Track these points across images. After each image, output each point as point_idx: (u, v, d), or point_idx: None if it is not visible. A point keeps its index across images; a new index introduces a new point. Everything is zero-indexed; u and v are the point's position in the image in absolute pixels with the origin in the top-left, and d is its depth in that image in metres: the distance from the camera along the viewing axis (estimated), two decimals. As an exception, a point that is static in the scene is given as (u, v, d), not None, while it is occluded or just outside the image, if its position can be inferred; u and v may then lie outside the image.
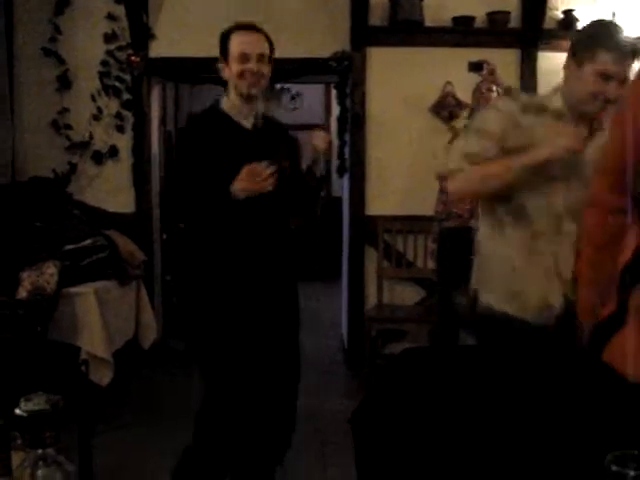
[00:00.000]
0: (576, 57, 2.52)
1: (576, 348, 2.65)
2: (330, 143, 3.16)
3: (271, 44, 3.08)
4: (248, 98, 3.02)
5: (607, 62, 2.44)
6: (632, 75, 2.42)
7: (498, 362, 2.81)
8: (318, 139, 3.10)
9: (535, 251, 2.68)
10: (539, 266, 2.68)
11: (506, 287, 2.77)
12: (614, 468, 0.97)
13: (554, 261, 2.65)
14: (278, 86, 9.04)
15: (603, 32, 2.48)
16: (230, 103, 3.05)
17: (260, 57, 2.99)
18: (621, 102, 2.44)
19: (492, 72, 4.48)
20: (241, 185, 2.84)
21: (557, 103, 2.61)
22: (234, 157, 2.92)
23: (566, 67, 2.58)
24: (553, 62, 4.94)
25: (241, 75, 2.98)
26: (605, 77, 2.46)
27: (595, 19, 2.63)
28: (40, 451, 1.06)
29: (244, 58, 2.97)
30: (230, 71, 3.02)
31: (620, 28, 2.49)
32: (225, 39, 3.04)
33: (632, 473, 0.96)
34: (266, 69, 3.03)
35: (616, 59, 2.44)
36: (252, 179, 2.84)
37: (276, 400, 3.11)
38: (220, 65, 3.06)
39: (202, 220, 3.01)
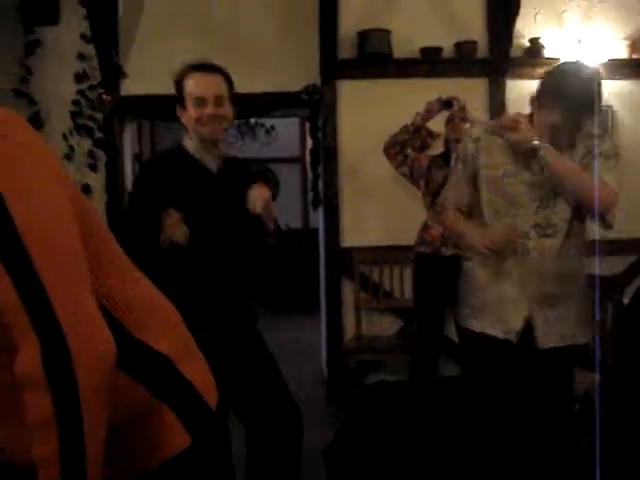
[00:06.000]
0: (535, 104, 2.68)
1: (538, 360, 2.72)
2: (267, 201, 2.87)
3: (230, 82, 2.92)
4: (211, 142, 2.88)
5: (553, 117, 2.58)
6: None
7: (472, 385, 2.83)
8: (254, 199, 2.86)
9: (502, 270, 2.75)
10: (505, 284, 2.74)
11: (472, 304, 2.86)
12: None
13: (520, 279, 2.71)
14: (252, 121, 9.08)
15: (558, 91, 2.56)
16: (194, 145, 2.90)
17: (217, 99, 2.83)
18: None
19: (462, 108, 4.53)
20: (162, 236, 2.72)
21: None
22: (198, 200, 2.80)
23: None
24: (521, 90, 5.02)
25: (199, 121, 2.82)
26: (553, 128, 2.60)
27: (560, 69, 2.66)
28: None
29: (200, 102, 2.81)
30: (188, 116, 2.86)
31: (577, 80, 2.56)
32: (180, 83, 2.87)
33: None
34: (226, 111, 2.87)
35: (562, 114, 2.54)
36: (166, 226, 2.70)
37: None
38: (178, 109, 2.90)
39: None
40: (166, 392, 1.32)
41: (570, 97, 2.51)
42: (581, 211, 2.70)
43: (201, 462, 1.38)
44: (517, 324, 2.75)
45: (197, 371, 1.42)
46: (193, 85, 2.84)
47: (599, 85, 2.57)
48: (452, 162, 3.10)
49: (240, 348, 2.92)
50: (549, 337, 2.73)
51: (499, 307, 2.79)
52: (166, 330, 1.38)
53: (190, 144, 2.92)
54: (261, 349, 3.02)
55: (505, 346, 2.77)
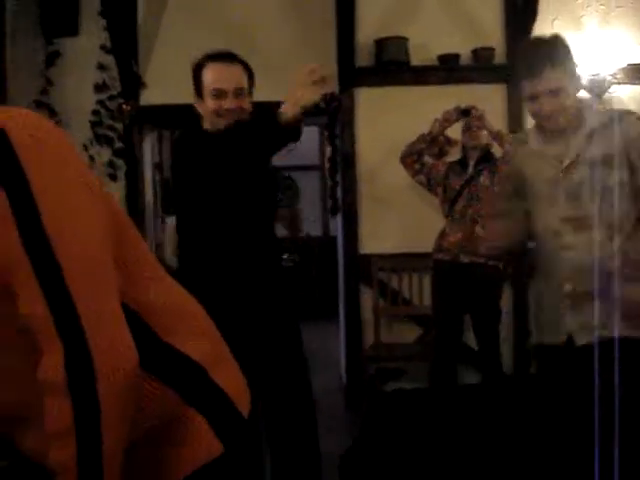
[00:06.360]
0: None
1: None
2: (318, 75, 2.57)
3: (250, 72, 2.82)
4: None
5: (530, 87, 2.60)
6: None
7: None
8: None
9: (547, 272, 2.73)
10: (551, 286, 2.72)
11: (535, 315, 2.85)
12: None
13: (561, 278, 2.69)
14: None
15: (523, 62, 2.63)
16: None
17: (238, 91, 2.72)
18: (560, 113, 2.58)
19: (480, 117, 4.53)
20: (293, 98, 2.42)
21: (532, 139, 2.78)
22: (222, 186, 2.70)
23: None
24: (539, 96, 4.99)
25: (216, 113, 2.70)
26: (533, 98, 2.61)
27: (524, 46, 2.79)
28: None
29: (220, 94, 2.69)
30: (205, 107, 2.74)
31: (543, 45, 2.62)
32: (197, 72, 2.75)
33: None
34: (245, 103, 2.74)
35: (536, 81, 2.57)
36: (304, 86, 2.41)
37: (292, 445, 2.94)
38: (195, 98, 2.78)
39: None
40: (197, 398, 1.31)
41: (531, 56, 2.58)
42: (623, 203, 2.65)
43: (233, 470, 1.36)
44: (562, 326, 2.71)
45: (229, 378, 1.41)
46: (212, 76, 2.72)
47: (562, 43, 2.62)
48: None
49: (271, 348, 2.87)
50: (583, 333, 2.66)
51: (549, 313, 2.76)
52: (196, 335, 1.37)
53: (211, 130, 2.77)
54: (291, 349, 2.97)
55: (559, 351, 2.74)
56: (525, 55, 2.65)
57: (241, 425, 1.39)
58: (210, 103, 2.71)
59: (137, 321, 1.23)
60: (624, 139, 2.59)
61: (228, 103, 2.69)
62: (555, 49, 2.60)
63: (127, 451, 1.15)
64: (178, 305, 1.38)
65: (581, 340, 2.65)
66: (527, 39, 2.83)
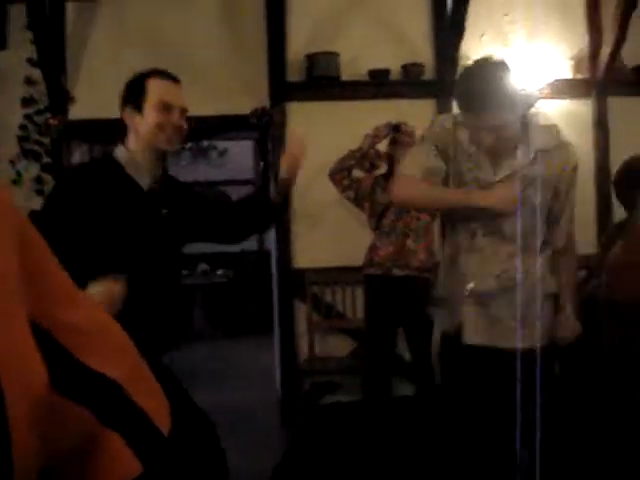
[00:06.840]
0: None
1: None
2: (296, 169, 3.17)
3: None
4: (160, 154, 2.61)
5: (469, 120, 2.62)
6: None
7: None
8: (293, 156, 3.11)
9: (455, 267, 2.77)
10: (458, 282, 2.79)
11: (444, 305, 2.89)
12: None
13: (468, 278, 2.76)
14: (205, 143, 9.08)
15: (463, 94, 2.62)
16: (129, 155, 2.59)
17: (183, 111, 2.60)
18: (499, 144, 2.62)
19: (411, 133, 4.57)
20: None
21: (465, 137, 2.78)
22: (119, 220, 2.51)
23: None
24: (468, 111, 5.08)
25: (160, 126, 2.54)
26: (473, 129, 2.65)
27: (464, 72, 2.73)
28: None
29: (167, 108, 2.55)
30: (144, 120, 2.55)
31: (479, 79, 2.60)
32: (140, 82, 2.58)
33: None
34: (185, 126, 2.63)
35: (474, 117, 2.59)
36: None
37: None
38: (127, 112, 2.58)
39: None
40: (112, 417, 1.29)
41: (473, 98, 2.55)
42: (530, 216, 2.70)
43: None
44: (456, 319, 2.77)
45: (148, 396, 1.38)
46: (162, 89, 2.58)
47: (502, 79, 2.60)
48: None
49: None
50: (476, 334, 2.72)
51: (451, 301, 2.82)
52: (113, 354, 1.35)
53: (124, 155, 2.61)
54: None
55: (452, 341, 2.80)
56: (465, 86, 2.61)
57: (161, 443, 1.37)
58: (153, 116, 2.55)
59: (48, 340, 1.20)
60: (559, 169, 2.67)
61: (175, 118, 2.57)
62: (495, 79, 2.57)
63: (46, 472, 1.12)
64: (97, 325, 1.36)
65: (471, 339, 2.73)
66: (467, 67, 2.77)
